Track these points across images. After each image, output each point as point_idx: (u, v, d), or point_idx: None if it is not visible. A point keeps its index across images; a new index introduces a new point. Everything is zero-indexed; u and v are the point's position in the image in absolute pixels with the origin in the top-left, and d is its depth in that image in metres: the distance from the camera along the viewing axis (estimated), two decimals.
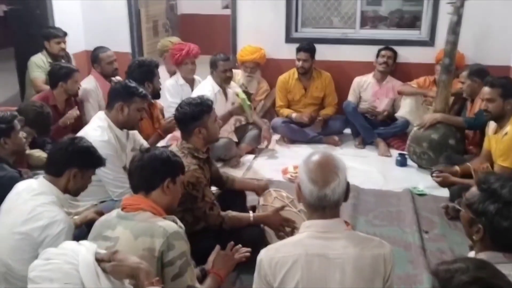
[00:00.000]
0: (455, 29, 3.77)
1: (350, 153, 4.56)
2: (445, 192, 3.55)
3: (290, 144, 4.76)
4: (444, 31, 4.59)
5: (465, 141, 3.99)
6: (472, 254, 2.67)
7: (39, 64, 4.53)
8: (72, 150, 2.14)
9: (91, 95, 4.13)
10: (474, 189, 1.69)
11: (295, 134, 4.74)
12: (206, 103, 2.62)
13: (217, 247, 2.32)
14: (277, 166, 4.22)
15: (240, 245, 2.29)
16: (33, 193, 2.09)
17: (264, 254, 1.62)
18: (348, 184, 1.66)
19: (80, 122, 4.11)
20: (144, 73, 3.59)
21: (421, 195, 3.68)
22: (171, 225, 1.87)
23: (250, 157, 4.40)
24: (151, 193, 1.95)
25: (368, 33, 5.17)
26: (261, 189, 3.06)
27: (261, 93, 5.11)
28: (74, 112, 3.81)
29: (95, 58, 4.25)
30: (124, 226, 1.86)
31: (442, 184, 3.40)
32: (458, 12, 3.73)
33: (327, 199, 1.58)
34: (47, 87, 4.22)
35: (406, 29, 5.22)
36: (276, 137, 4.81)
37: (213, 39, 7.48)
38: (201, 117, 2.58)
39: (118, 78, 4.35)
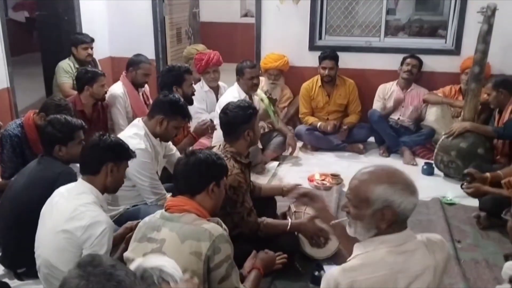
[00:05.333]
0: (485, 38, 3.75)
1: (375, 161, 4.54)
2: (475, 202, 3.50)
3: (314, 152, 4.75)
4: (469, 40, 4.63)
5: (494, 151, 3.95)
6: (506, 264, 2.65)
7: (66, 70, 4.59)
8: (104, 146, 2.19)
9: (119, 101, 4.15)
10: None
11: (320, 141, 4.73)
12: (253, 106, 2.68)
13: (254, 252, 2.32)
14: (302, 173, 4.21)
15: (280, 252, 2.28)
16: (75, 193, 2.15)
17: (340, 276, 1.49)
18: None
19: (106, 127, 4.17)
20: (173, 77, 3.64)
21: (450, 204, 3.64)
22: (216, 228, 1.87)
23: (274, 164, 4.40)
24: (196, 196, 1.96)
25: (393, 41, 5.17)
26: (288, 192, 3.04)
27: (285, 100, 5.12)
28: None
29: (134, 63, 4.20)
30: (170, 228, 1.86)
31: (474, 195, 3.36)
32: (488, 21, 3.71)
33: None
34: (74, 92, 4.27)
35: (432, 38, 5.20)
36: (299, 144, 4.81)
37: (233, 46, 7.54)
38: (250, 120, 2.61)
39: (146, 86, 4.40)
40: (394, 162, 4.48)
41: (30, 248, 2.26)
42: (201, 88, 4.52)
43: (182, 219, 1.88)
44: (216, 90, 4.67)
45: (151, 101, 4.49)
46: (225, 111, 2.68)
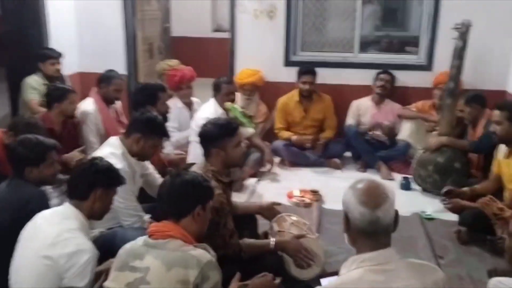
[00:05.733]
0: (460, 54, 3.82)
1: (352, 176, 4.51)
2: (454, 216, 3.52)
3: (291, 167, 4.71)
4: (441, 55, 4.73)
5: (469, 165, 3.99)
6: (492, 281, 2.65)
7: (33, 86, 4.41)
8: (95, 170, 2.09)
9: (90, 118, 4.00)
10: None
11: (297, 157, 4.69)
12: (230, 126, 2.56)
13: (237, 274, 2.22)
14: (281, 189, 4.15)
15: (280, 279, 2.18)
16: (60, 217, 2.02)
17: None
18: (397, 212, 1.60)
19: (77, 145, 4.00)
20: (146, 96, 3.56)
21: (429, 219, 3.64)
22: (204, 254, 1.78)
23: (252, 180, 4.33)
24: (181, 220, 1.86)
25: (367, 57, 5.20)
26: (265, 210, 2.99)
27: (260, 116, 5.06)
28: (77, 154, 3.57)
29: (106, 79, 4.07)
30: (155, 255, 1.75)
31: (453, 210, 3.37)
32: (463, 37, 3.78)
33: (380, 222, 1.50)
34: (43, 109, 4.09)
35: (404, 54, 5.26)
36: (277, 160, 4.75)
37: (205, 61, 7.48)
38: (220, 139, 2.52)
39: (118, 103, 4.27)
40: (371, 177, 4.47)
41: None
42: (174, 105, 4.42)
43: (167, 245, 1.77)
44: (190, 106, 4.60)
45: (122, 118, 4.38)
46: (203, 125, 2.63)
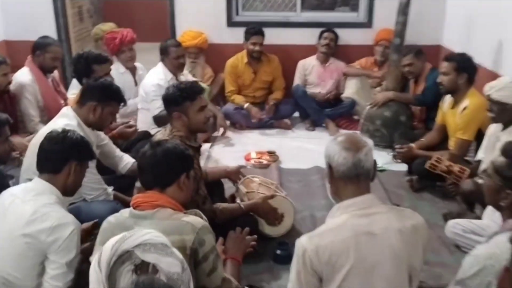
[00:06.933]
0: (405, 10, 3.93)
1: (302, 135, 4.64)
2: (402, 167, 3.73)
3: (242, 130, 4.70)
4: (380, 13, 4.84)
5: (413, 117, 4.20)
6: (450, 223, 2.84)
7: None
8: (70, 143, 1.99)
9: (28, 90, 3.69)
10: (501, 158, 1.78)
11: (248, 120, 4.69)
12: (192, 89, 2.50)
13: (221, 239, 2.23)
14: (237, 153, 4.15)
15: (248, 228, 2.21)
16: (32, 194, 1.89)
17: (307, 243, 1.57)
18: (375, 161, 1.69)
19: (16, 119, 3.70)
20: (81, 68, 3.35)
21: (381, 171, 3.81)
22: (197, 219, 1.75)
23: (206, 146, 4.27)
24: (166, 189, 1.80)
25: (309, 16, 5.19)
26: (232, 173, 3.03)
27: (206, 80, 4.95)
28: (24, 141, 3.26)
29: (41, 46, 3.74)
30: (145, 226, 1.68)
31: (405, 157, 3.56)
32: None
33: (362, 165, 1.61)
34: None
35: (345, 12, 5.30)
36: (227, 123, 4.71)
37: (138, 24, 7.12)
38: (181, 103, 2.47)
39: (55, 73, 3.99)
40: (320, 135, 4.60)
41: None
42: (116, 71, 4.20)
43: (157, 215, 1.72)
44: (133, 71, 4.40)
45: (62, 88, 4.10)
46: (167, 88, 2.59)
